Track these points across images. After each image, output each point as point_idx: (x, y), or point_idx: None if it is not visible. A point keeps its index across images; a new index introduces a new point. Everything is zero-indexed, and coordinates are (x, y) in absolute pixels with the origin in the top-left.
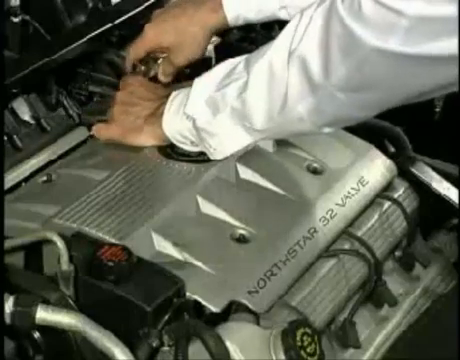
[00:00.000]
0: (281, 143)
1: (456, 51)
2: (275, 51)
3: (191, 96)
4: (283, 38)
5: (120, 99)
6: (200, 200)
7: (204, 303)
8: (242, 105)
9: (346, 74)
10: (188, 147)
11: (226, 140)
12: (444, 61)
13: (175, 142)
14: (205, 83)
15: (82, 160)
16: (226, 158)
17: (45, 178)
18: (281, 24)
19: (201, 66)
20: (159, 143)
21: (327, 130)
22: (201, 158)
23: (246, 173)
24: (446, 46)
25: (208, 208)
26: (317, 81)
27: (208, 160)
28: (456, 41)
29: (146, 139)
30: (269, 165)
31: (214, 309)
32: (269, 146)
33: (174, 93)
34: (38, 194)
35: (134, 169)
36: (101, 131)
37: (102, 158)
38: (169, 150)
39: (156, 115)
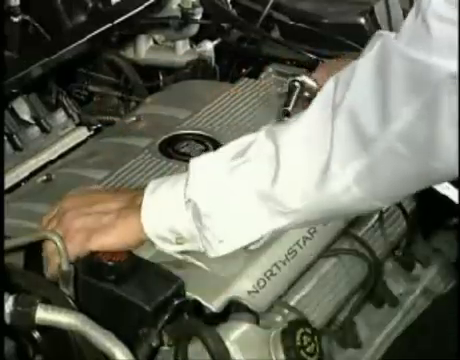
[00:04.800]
0: None
1: None
2: (312, 114)
3: (191, 179)
4: (318, 104)
5: (71, 205)
6: None
7: (204, 303)
8: (269, 182)
9: (411, 116)
10: (168, 247)
11: (239, 226)
12: None
13: (154, 239)
14: (209, 163)
15: (82, 160)
16: None
17: (45, 178)
18: (281, 24)
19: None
20: (133, 242)
21: (379, 204)
22: None
23: None
24: None
25: None
26: (371, 134)
27: None
28: None
29: (117, 238)
30: None
31: (214, 309)
32: None
33: (152, 183)
34: (38, 194)
35: (134, 169)
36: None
37: (102, 158)
38: (169, 150)
39: (131, 208)
